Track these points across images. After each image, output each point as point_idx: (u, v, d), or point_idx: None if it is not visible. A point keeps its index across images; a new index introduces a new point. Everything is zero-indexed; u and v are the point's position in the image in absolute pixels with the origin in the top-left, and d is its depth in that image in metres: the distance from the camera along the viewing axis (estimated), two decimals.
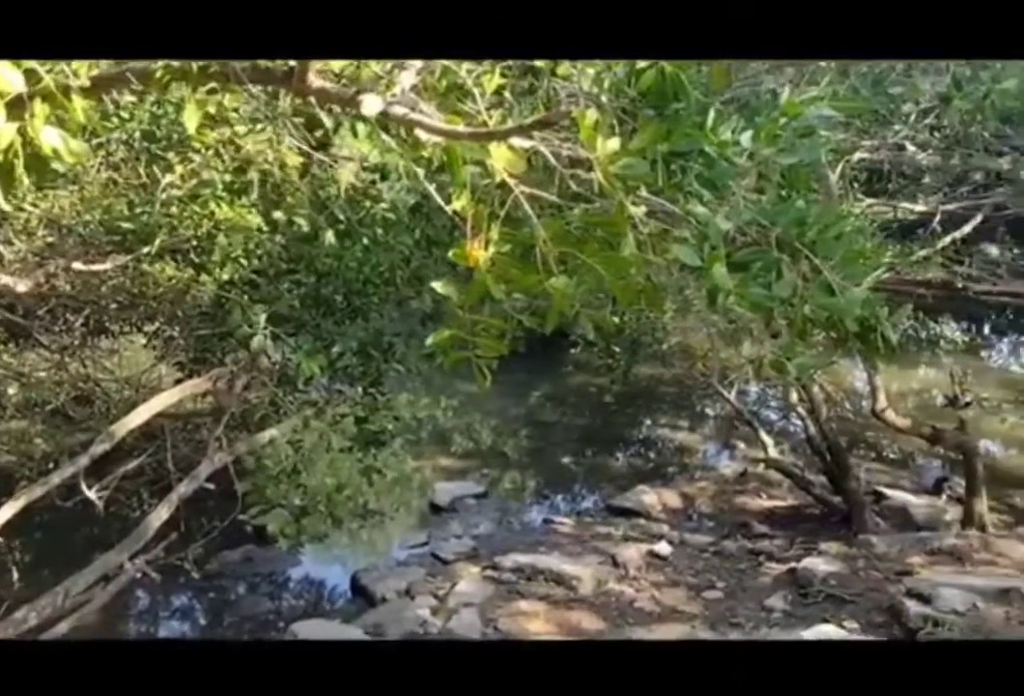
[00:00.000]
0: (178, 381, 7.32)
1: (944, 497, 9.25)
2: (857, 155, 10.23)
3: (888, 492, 9.06)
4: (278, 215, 5.41)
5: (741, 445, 10.79)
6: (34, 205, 6.20)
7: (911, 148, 10.64)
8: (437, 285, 3.08)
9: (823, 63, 5.65)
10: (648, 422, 12.34)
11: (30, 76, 2.26)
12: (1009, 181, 11.12)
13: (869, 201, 12.49)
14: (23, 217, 6.39)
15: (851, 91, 4.74)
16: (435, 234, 6.80)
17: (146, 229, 5.77)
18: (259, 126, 4.95)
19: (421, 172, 5.04)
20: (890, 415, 8.41)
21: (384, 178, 6.49)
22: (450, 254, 3.03)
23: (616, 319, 9.01)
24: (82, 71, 2.43)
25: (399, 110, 2.63)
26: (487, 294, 3.03)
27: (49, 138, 2.32)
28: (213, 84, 2.98)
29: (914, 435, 8.89)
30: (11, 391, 7.90)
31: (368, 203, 5.90)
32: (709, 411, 12.52)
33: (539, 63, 3.37)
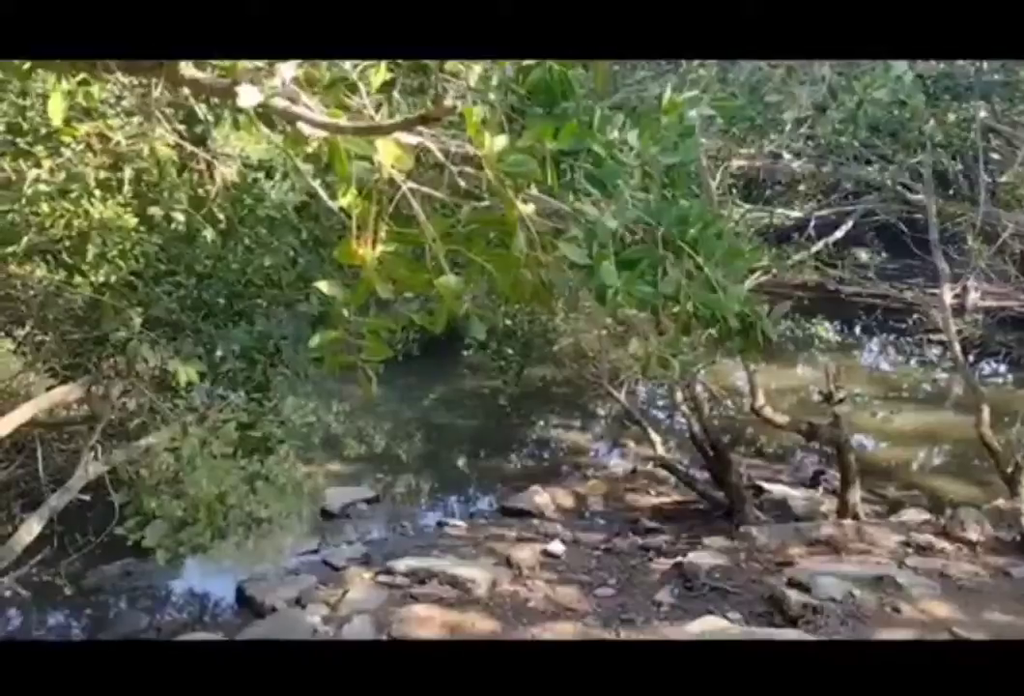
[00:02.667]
0: (50, 388, 6.94)
1: (820, 489, 9.65)
2: (735, 163, 10.60)
3: (768, 486, 9.40)
4: (155, 211, 5.19)
5: (631, 444, 11.00)
6: None
7: (786, 156, 11.10)
8: (322, 285, 3.01)
9: (703, 71, 5.83)
10: (541, 423, 12.45)
11: None
12: (877, 189, 11.73)
13: (747, 207, 12.96)
14: None
15: (730, 97, 4.88)
16: (323, 234, 6.66)
17: (12, 228, 5.45)
18: (132, 119, 4.73)
19: (307, 169, 4.93)
20: (768, 412, 8.72)
21: (269, 176, 6.33)
22: (335, 253, 2.97)
23: (508, 321, 9.05)
24: None
25: (279, 103, 2.55)
26: (374, 294, 2.97)
27: None
28: (83, 75, 2.84)
29: (791, 431, 9.25)
30: None
31: (250, 201, 5.73)
32: (600, 411, 12.72)
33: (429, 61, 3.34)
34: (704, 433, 8.89)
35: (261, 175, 5.97)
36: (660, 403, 12.89)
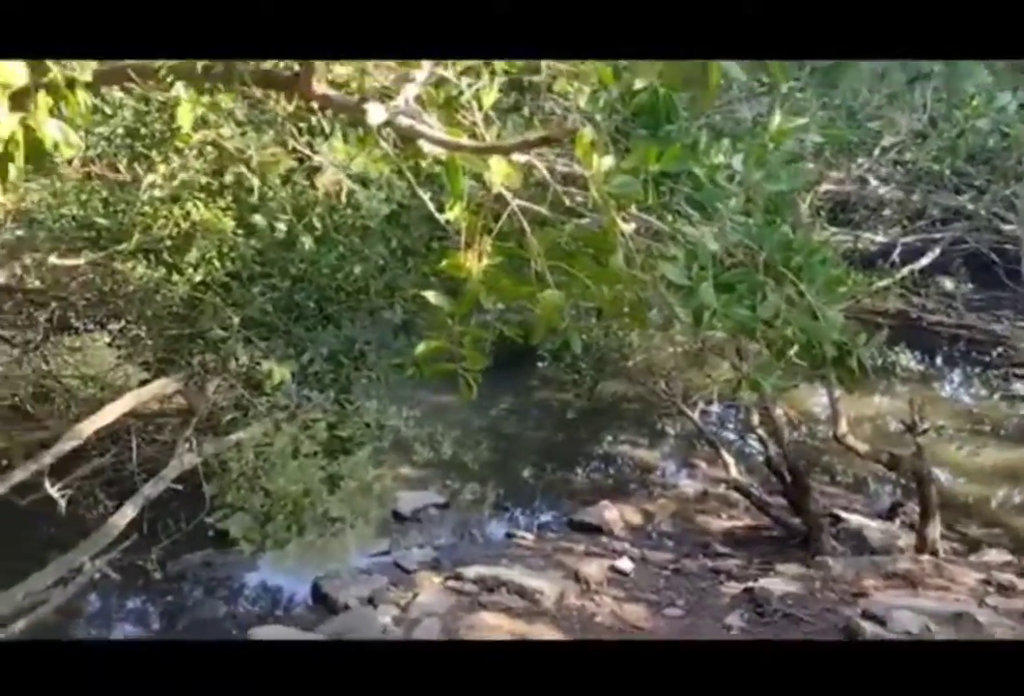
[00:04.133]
0: (143, 381, 7.23)
1: (898, 522, 9.44)
2: (823, 186, 10.49)
3: (844, 515, 9.23)
4: (258, 219, 5.39)
5: (702, 465, 10.92)
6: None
7: (874, 181, 10.94)
8: (429, 295, 3.11)
9: (800, 94, 5.81)
10: (610, 438, 12.43)
11: (35, 68, 2.26)
12: (967, 218, 11.46)
13: (833, 230, 12.78)
14: None
15: (829, 122, 4.88)
16: (411, 244, 6.81)
17: (121, 227, 5.72)
18: (246, 128, 4.94)
19: (404, 181, 5.06)
20: (851, 440, 8.58)
21: (364, 186, 6.51)
22: (443, 264, 3.07)
23: (584, 335, 9.11)
24: (86, 65, 2.43)
25: (404, 120, 2.66)
26: (477, 305, 3.06)
27: (51, 130, 2.32)
28: (213, 85, 3.00)
29: (872, 460, 9.08)
30: None
31: (348, 211, 5.91)
32: (670, 429, 12.64)
33: (536, 79, 3.44)
34: (782, 458, 8.78)
35: (358, 185, 6.14)
36: (730, 424, 12.77)
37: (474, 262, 2.99)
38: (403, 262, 6.65)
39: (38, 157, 2.36)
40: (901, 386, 13.43)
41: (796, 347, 3.23)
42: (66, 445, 4.69)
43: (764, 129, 3.83)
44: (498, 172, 2.87)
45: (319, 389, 6.46)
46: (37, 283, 5.55)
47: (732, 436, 12.40)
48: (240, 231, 6.16)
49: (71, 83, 2.26)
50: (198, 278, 6.33)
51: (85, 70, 2.30)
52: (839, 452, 9.77)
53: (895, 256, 13.04)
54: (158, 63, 2.74)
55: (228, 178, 5.91)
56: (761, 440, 9.18)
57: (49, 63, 2.20)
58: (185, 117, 3.17)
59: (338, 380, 6.41)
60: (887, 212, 15.27)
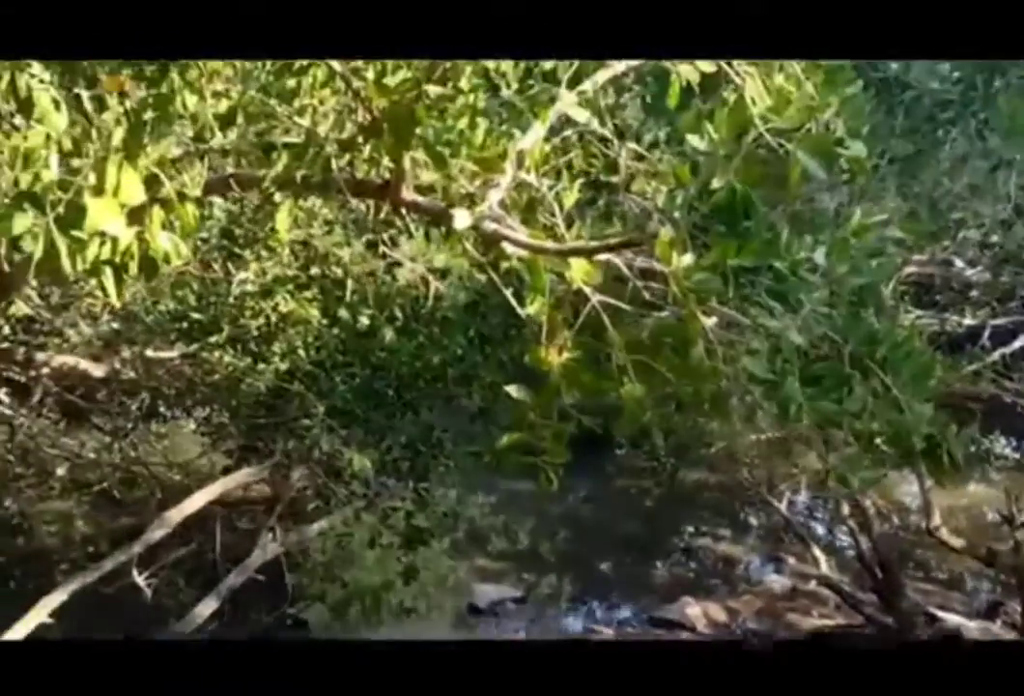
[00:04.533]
0: (226, 468, 7.39)
1: (999, 622, 8.88)
2: (907, 269, 10.33)
3: (940, 615, 8.72)
4: (343, 314, 5.58)
5: (790, 559, 10.51)
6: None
7: (959, 263, 10.74)
8: (511, 389, 3.14)
9: (880, 183, 5.80)
10: (691, 529, 12.09)
11: (150, 184, 2.41)
12: None
13: (919, 313, 12.51)
14: (88, 302, 6.64)
15: (911, 213, 4.86)
16: (489, 333, 6.92)
17: (213, 319, 5.98)
18: (333, 227, 5.17)
19: (482, 272, 5.17)
20: (944, 533, 8.20)
21: (443, 277, 6.68)
22: (526, 358, 3.11)
23: (661, 416, 8.97)
24: (195, 180, 2.59)
25: (489, 225, 2.76)
26: (560, 399, 3.08)
27: (163, 242, 2.46)
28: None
29: (969, 555, 8.63)
30: (60, 471, 8.00)
31: (428, 302, 6.07)
32: (754, 521, 12.25)
33: (614, 179, 3.53)
34: (873, 552, 8.41)
35: (437, 276, 6.32)
36: (818, 516, 12.32)
37: (555, 356, 3.02)
38: (481, 350, 6.76)
39: (150, 267, 2.51)
40: (997, 474, 12.81)
41: (884, 439, 3.15)
42: (155, 534, 4.80)
43: (847, 220, 3.83)
44: (578, 269, 2.93)
45: (397, 477, 6.51)
46: (132, 374, 5.79)
47: (820, 528, 11.94)
48: (325, 321, 6.37)
49: (182, 197, 2.41)
50: (283, 367, 6.53)
51: (196, 186, 2.46)
52: (933, 546, 9.30)
53: (985, 339, 12.65)
54: (261, 173, 2.90)
55: (314, 271, 6.16)
56: (851, 532, 8.83)
57: (164, 179, 2.35)
58: (283, 222, 3.35)
59: (416, 469, 6.46)
60: (975, 293, 14.90)
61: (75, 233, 2.25)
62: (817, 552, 8.79)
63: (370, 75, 2.67)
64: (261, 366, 6.53)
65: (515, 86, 3.79)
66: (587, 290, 2.96)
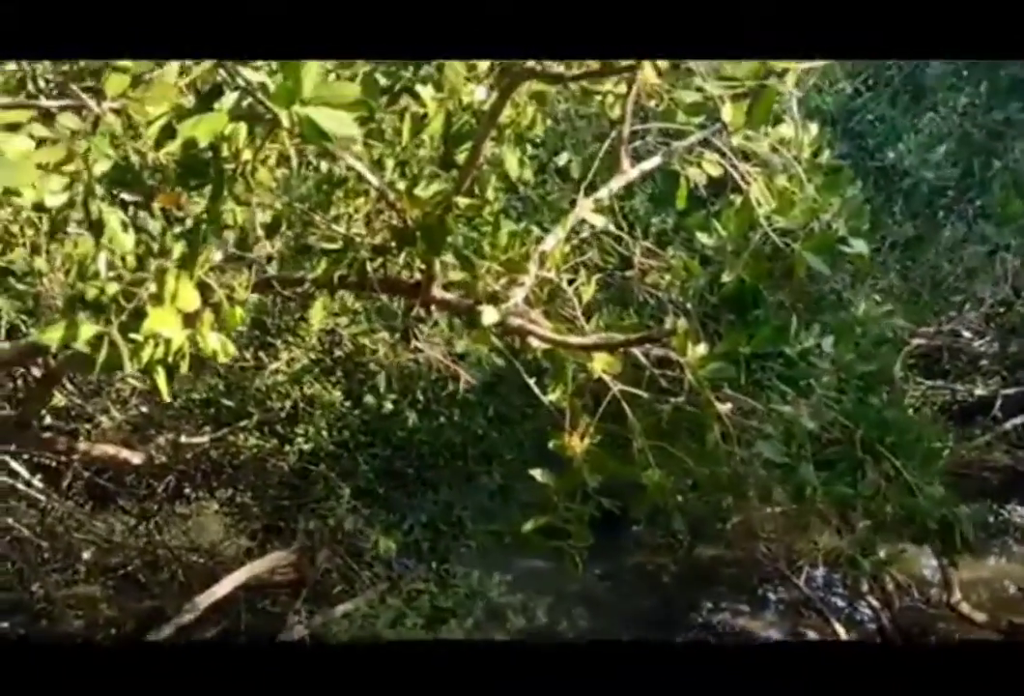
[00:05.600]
0: (248, 550, 7.46)
1: None
2: (914, 340, 10.47)
3: None
4: (369, 399, 5.75)
5: (810, 634, 10.37)
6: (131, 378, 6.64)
7: (966, 334, 10.87)
8: (536, 473, 3.28)
9: (881, 265, 6.01)
10: (709, 605, 11.96)
11: (202, 290, 2.62)
12: None
13: (928, 384, 12.58)
14: (117, 388, 6.83)
15: (913, 294, 5.05)
16: (507, 413, 7.07)
17: (241, 404, 6.16)
18: (360, 318, 5.39)
19: (498, 354, 5.34)
20: (965, 608, 8.13)
21: (462, 359, 6.87)
22: (550, 445, 3.26)
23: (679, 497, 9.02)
24: (243, 284, 2.80)
25: (514, 320, 2.95)
26: (583, 483, 3.22)
27: (212, 342, 2.65)
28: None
29: (991, 630, 8.53)
30: (86, 555, 8.07)
31: (448, 384, 6.24)
32: (772, 596, 12.11)
33: (628, 273, 3.73)
34: (893, 626, 8.34)
35: (458, 362, 6.50)
36: (838, 590, 12.17)
37: (577, 442, 3.17)
38: (499, 430, 6.89)
39: (199, 365, 2.69)
40: (1017, 546, 12.67)
41: (898, 521, 3.26)
42: (184, 618, 4.87)
43: (850, 303, 4.00)
44: (600, 360, 3.11)
45: (419, 558, 6.56)
46: (163, 459, 5.95)
47: (840, 602, 11.79)
48: (348, 403, 6.54)
49: (231, 300, 2.61)
50: (307, 448, 6.67)
51: (244, 290, 2.66)
52: (955, 619, 9.19)
53: (997, 409, 12.67)
54: (300, 275, 3.12)
55: (338, 354, 6.36)
56: (871, 607, 8.76)
57: (215, 285, 2.55)
58: (317, 316, 3.55)
59: (437, 549, 6.52)
60: (984, 363, 14.98)
61: (134, 336, 2.44)
62: (837, 626, 8.70)
63: (401, 186, 2.90)
64: (286, 447, 6.68)
65: (533, 186, 4.04)
66: (607, 379, 3.12)
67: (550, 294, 3.49)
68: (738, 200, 3.13)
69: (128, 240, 2.20)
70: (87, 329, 2.25)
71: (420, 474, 7.03)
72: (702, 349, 2.96)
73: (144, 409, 6.92)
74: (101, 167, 2.08)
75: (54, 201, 2.03)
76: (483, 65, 2.81)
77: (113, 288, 2.24)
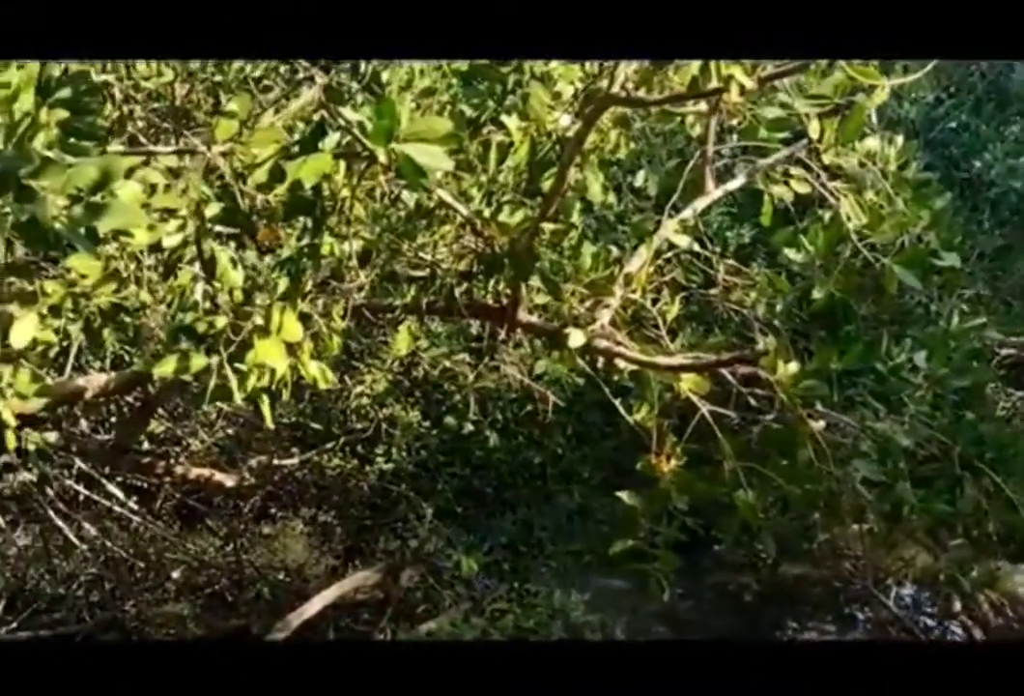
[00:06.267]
0: (333, 569, 7.59)
1: None
2: (1004, 350, 10.15)
3: None
4: (449, 420, 5.82)
5: None
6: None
7: None
8: (623, 495, 3.28)
9: (969, 275, 5.86)
10: (794, 625, 11.69)
11: (304, 322, 2.71)
12: None
13: (1019, 395, 12.15)
14: (205, 411, 7.04)
15: (1003, 304, 4.92)
16: (585, 432, 7.08)
17: (327, 426, 6.30)
18: (440, 340, 5.48)
19: (579, 377, 5.35)
20: None
21: (539, 378, 6.91)
22: (638, 466, 3.26)
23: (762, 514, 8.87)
24: (339, 313, 2.88)
25: (601, 343, 2.97)
26: (670, 504, 3.20)
27: (313, 370, 2.74)
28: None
29: None
30: (175, 575, 8.29)
31: (529, 407, 6.28)
32: (860, 615, 11.80)
33: (712, 291, 3.72)
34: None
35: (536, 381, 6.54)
36: (928, 610, 11.79)
37: (664, 463, 3.17)
38: (579, 450, 6.90)
39: (295, 390, 2.78)
40: None
41: (998, 538, 3.18)
42: (276, 636, 4.98)
43: (938, 315, 3.92)
44: (688, 379, 3.10)
45: (499, 578, 6.59)
46: (253, 481, 6.11)
47: (930, 622, 11.42)
48: (427, 423, 6.63)
49: (329, 330, 2.70)
50: (387, 468, 6.78)
51: (340, 319, 2.74)
52: None
53: None
54: (388, 301, 3.20)
55: (417, 375, 6.46)
56: (964, 627, 8.47)
57: (315, 315, 2.64)
58: (404, 341, 3.64)
59: (518, 569, 6.55)
60: None
61: (240, 366, 2.54)
62: None
63: (487, 213, 2.96)
64: (366, 468, 6.79)
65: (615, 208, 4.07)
66: (695, 398, 3.12)
67: (633, 314, 3.51)
68: (826, 216, 3.11)
69: (238, 276, 2.30)
70: (198, 361, 2.35)
71: (499, 494, 7.07)
72: (793, 367, 2.94)
73: (230, 431, 7.12)
74: (212, 210, 2.18)
75: (170, 242, 2.14)
76: (567, 93, 2.86)
77: (222, 321, 2.34)
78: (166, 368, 2.31)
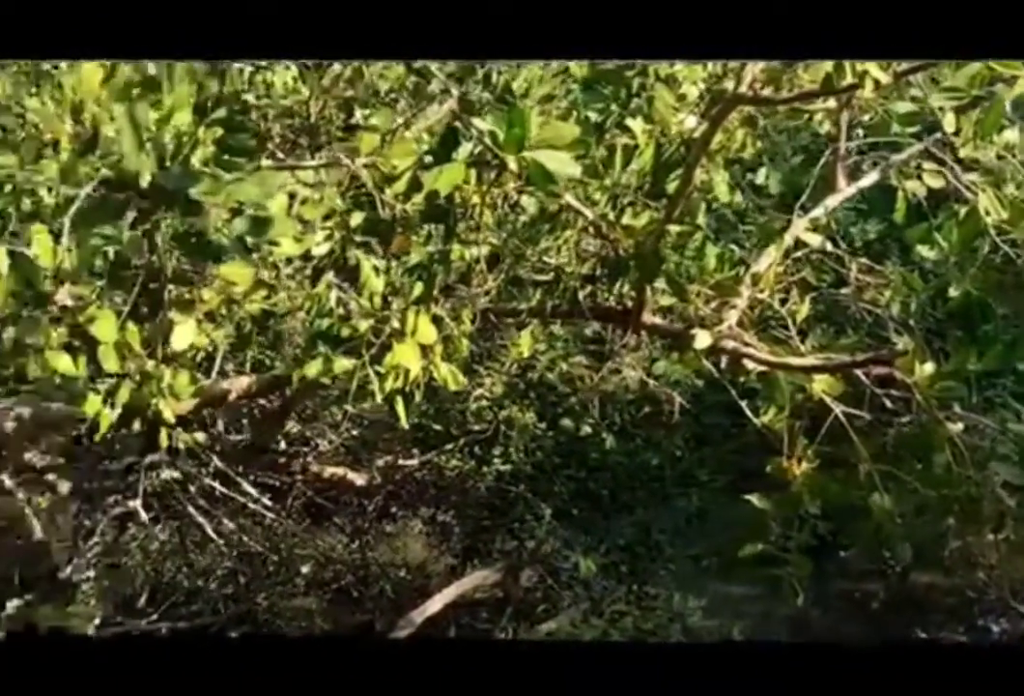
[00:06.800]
0: (452, 568, 7.73)
1: None
2: None
3: None
4: (566, 422, 5.87)
5: None
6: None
7: None
8: (752, 498, 3.24)
9: None
10: (923, 635, 11.23)
11: (438, 325, 2.80)
12: None
13: None
14: (331, 412, 7.28)
15: None
16: (704, 433, 7.00)
17: (447, 427, 6.44)
18: (556, 342, 5.53)
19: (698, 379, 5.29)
20: None
21: (656, 380, 6.87)
22: (767, 469, 3.22)
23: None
24: (469, 317, 2.96)
25: (728, 344, 2.95)
26: (802, 508, 3.15)
27: (444, 372, 2.82)
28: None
29: None
30: (304, 570, 8.59)
31: (646, 406, 6.26)
32: (994, 627, 11.23)
33: (844, 291, 3.63)
34: None
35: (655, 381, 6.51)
36: None
37: (795, 466, 3.12)
38: (698, 451, 6.84)
39: (431, 393, 2.87)
40: None
41: None
42: (401, 633, 5.12)
43: None
44: (820, 381, 3.05)
45: (617, 580, 6.58)
46: (380, 480, 6.30)
47: None
48: (542, 425, 6.69)
49: (461, 333, 2.78)
50: (504, 469, 6.87)
51: (469, 323, 2.82)
52: None
53: None
54: (512, 304, 3.27)
55: (532, 378, 6.53)
56: None
57: (448, 319, 2.72)
58: (526, 344, 3.70)
59: (636, 571, 6.53)
60: None
61: (378, 369, 2.65)
62: None
63: (612, 216, 2.99)
64: (483, 469, 6.90)
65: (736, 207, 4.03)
66: (828, 400, 3.06)
67: (760, 315, 3.46)
68: (962, 211, 3.01)
69: (379, 283, 2.40)
70: (340, 363, 2.47)
71: (615, 496, 7.07)
72: (929, 368, 2.86)
73: (354, 433, 7.35)
74: (356, 219, 2.29)
75: (319, 250, 2.26)
76: (691, 94, 2.86)
77: (364, 325, 2.45)
78: (312, 370, 2.43)
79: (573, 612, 5.99)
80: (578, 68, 2.89)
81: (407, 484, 7.72)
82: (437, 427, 6.16)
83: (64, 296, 2.12)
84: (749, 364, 2.97)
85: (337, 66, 3.49)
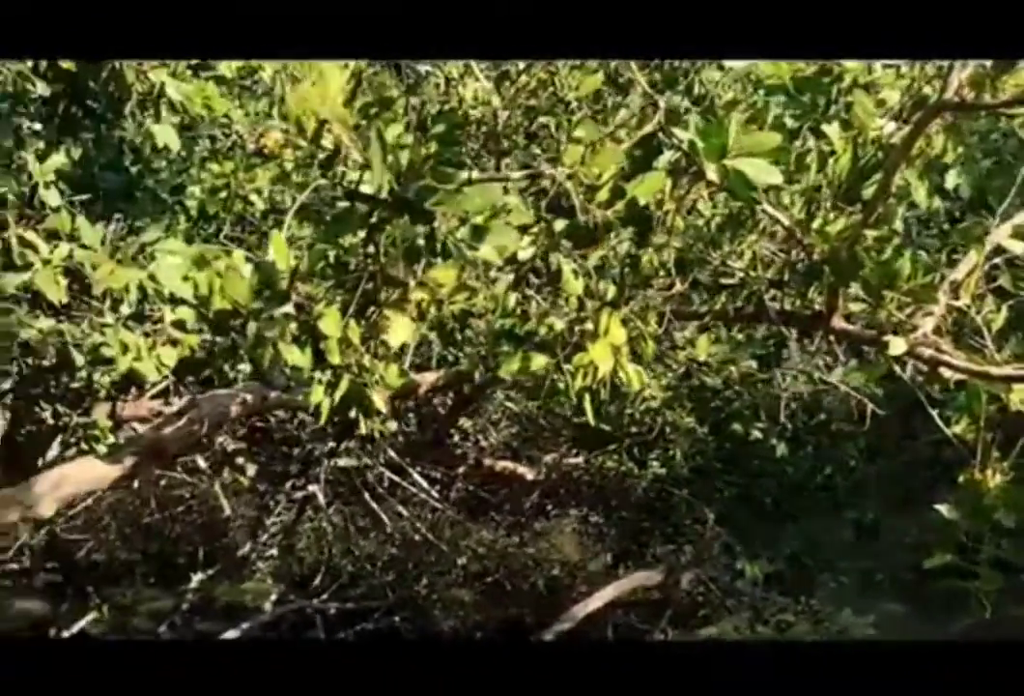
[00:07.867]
0: (607, 568, 7.79)
1: None
2: None
3: None
4: (735, 427, 5.83)
5: None
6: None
7: None
8: (941, 508, 3.16)
9: None
10: None
11: (624, 325, 2.88)
12: None
13: None
14: (489, 409, 7.48)
15: None
16: (879, 443, 6.79)
17: (619, 427, 6.51)
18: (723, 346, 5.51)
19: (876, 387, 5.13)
20: None
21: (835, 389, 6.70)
22: (959, 479, 3.13)
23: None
24: (654, 319, 3.04)
25: (924, 351, 2.90)
26: (995, 521, 3.05)
27: (630, 371, 2.89)
28: None
29: None
30: (461, 561, 8.84)
31: (820, 415, 6.14)
32: None
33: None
34: None
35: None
36: None
37: (989, 477, 3.02)
38: (872, 462, 6.64)
39: (615, 392, 2.96)
40: None
41: None
42: (563, 626, 5.24)
43: None
44: (1018, 391, 2.95)
45: (781, 590, 6.46)
46: (544, 475, 6.45)
47: None
48: (705, 429, 6.65)
49: (648, 335, 2.86)
50: (662, 472, 6.88)
51: (655, 326, 2.90)
52: None
53: None
54: (694, 308, 3.31)
55: (694, 382, 6.50)
56: None
57: (637, 322, 2.80)
58: (703, 348, 3.75)
59: (802, 582, 6.40)
60: None
61: (568, 368, 2.76)
62: None
63: (806, 222, 2.98)
64: (640, 471, 6.93)
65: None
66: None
67: (955, 322, 3.36)
68: None
69: (578, 285, 2.52)
70: (538, 361, 2.60)
71: (779, 504, 6.95)
72: None
73: (513, 430, 7.54)
74: (559, 225, 2.42)
75: (524, 254, 2.40)
76: (891, 99, 2.83)
77: (560, 325, 2.57)
78: (511, 367, 2.57)
79: (736, 619, 5.94)
80: (767, 71, 2.91)
81: (565, 482, 7.84)
82: (605, 427, 6.25)
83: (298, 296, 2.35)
84: (946, 372, 2.91)
85: (524, 77, 3.66)
